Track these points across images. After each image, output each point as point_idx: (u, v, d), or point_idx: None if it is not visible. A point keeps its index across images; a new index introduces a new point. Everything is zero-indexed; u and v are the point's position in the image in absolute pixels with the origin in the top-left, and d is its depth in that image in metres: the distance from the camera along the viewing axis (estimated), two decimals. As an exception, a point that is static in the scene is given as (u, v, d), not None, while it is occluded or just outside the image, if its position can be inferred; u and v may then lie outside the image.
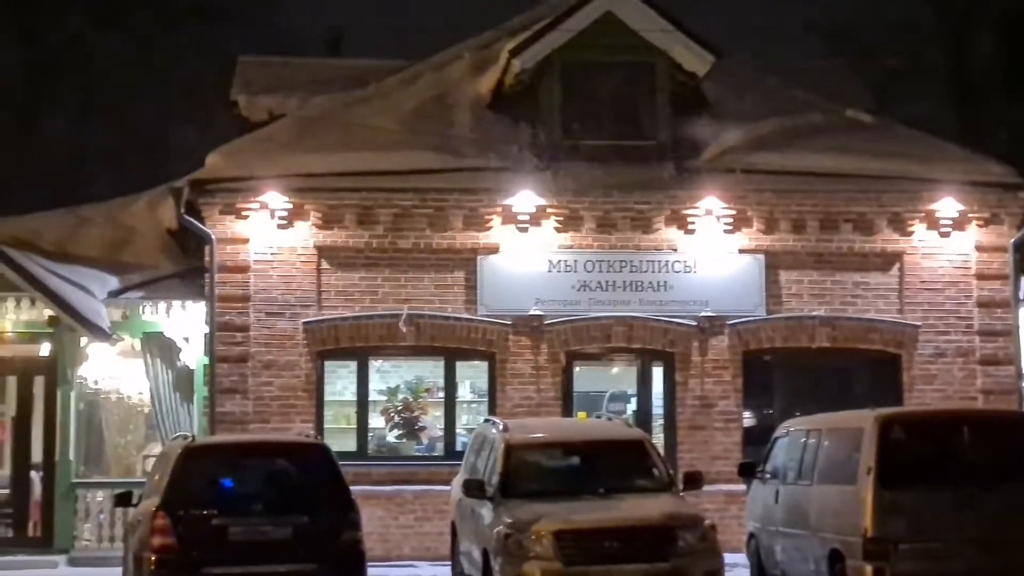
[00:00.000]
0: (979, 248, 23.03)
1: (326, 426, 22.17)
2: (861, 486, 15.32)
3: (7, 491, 23.11)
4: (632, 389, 23.51)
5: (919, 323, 22.88)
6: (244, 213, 22.13)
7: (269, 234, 22.16)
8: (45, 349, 22.90)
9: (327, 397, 22.53)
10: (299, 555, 14.63)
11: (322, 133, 22.81)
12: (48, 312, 21.90)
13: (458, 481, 18.20)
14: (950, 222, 22.88)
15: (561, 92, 22.75)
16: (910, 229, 22.93)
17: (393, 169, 22.28)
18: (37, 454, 23.10)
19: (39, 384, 23.05)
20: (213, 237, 22.08)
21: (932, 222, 22.91)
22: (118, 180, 32.80)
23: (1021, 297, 23.26)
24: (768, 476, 18.43)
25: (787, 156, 22.82)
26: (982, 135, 27.83)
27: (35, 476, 23.00)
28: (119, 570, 17.61)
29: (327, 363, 22.50)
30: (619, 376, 24.12)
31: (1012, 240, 22.99)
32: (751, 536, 18.72)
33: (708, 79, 23.37)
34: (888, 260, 23.06)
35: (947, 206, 22.81)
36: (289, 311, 22.15)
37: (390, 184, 22.26)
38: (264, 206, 22.08)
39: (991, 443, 15.79)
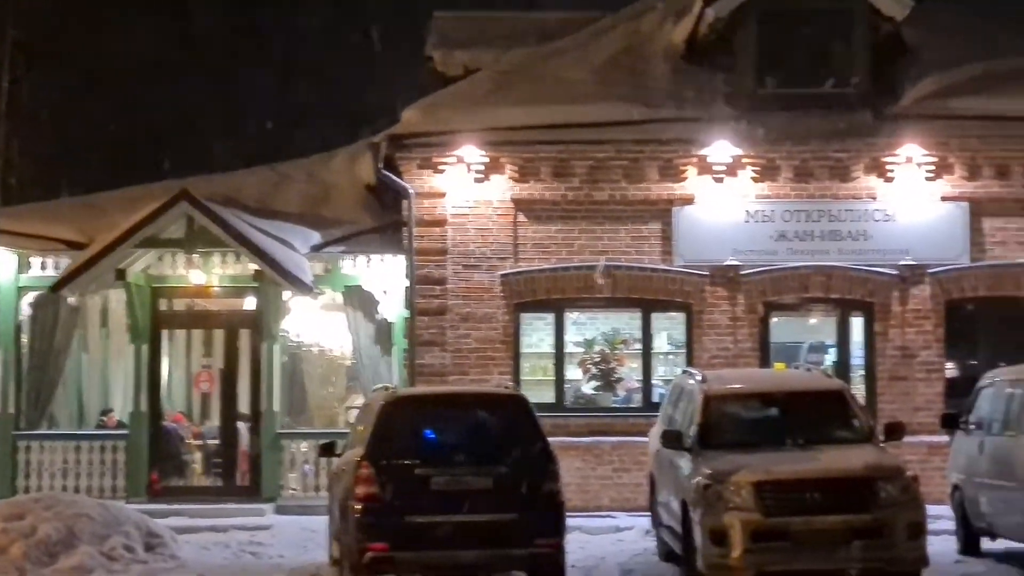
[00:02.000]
0: None
1: (523, 378, 22.35)
2: (1070, 437, 14.99)
3: (216, 441, 23.84)
4: (830, 340, 23.27)
5: None
6: (441, 167, 22.38)
7: (466, 188, 22.38)
8: (250, 303, 23.52)
9: (524, 349, 22.73)
10: (500, 505, 14.76)
11: (517, 86, 22.92)
12: (253, 267, 22.41)
13: (656, 432, 18.20)
14: None
15: (756, 40, 22.49)
16: (1119, 172, 22.24)
17: (588, 121, 22.30)
18: (244, 405, 23.76)
19: (244, 337, 23.66)
20: (411, 191, 22.38)
21: None
22: (317, 138, 33.39)
23: None
24: (972, 427, 18.12)
25: (990, 101, 22.24)
26: None
27: (242, 427, 23.65)
28: (324, 518, 18.03)
29: (524, 315, 22.68)
30: (817, 327, 23.88)
31: None
32: (955, 488, 18.43)
33: (907, 24, 22.87)
34: (1101, 205, 22.40)
35: None
36: (486, 264, 22.37)
37: (585, 136, 22.30)
38: (460, 160, 22.31)
39: None
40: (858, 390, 21.83)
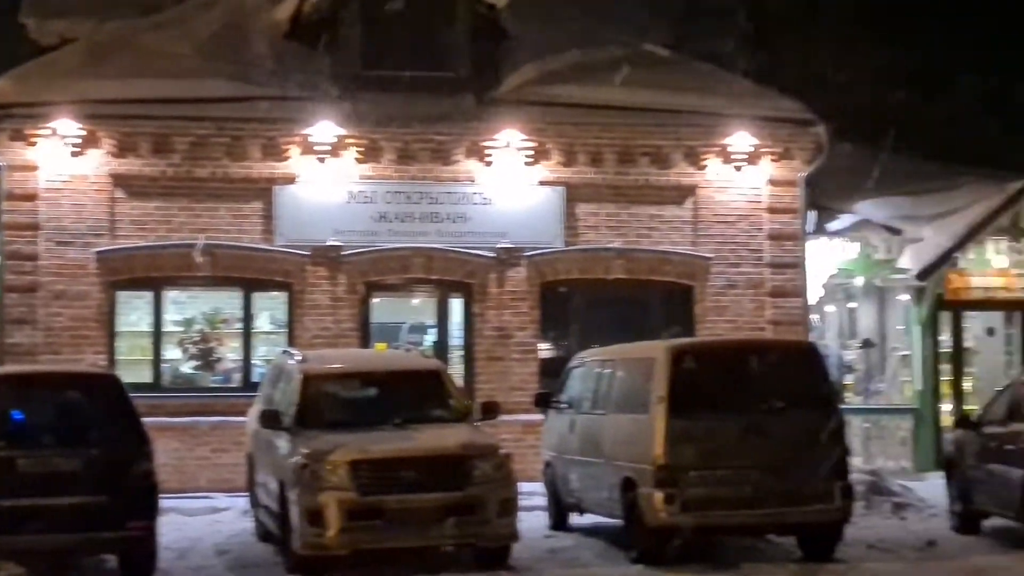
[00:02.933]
0: (771, 182, 23.51)
1: (120, 358, 21.83)
2: (653, 415, 15.62)
3: None
4: (431, 320, 23.58)
5: (711, 255, 23.32)
6: (33, 140, 21.58)
7: (61, 161, 21.64)
8: None
9: (121, 328, 22.18)
10: (89, 487, 14.35)
11: (116, 59, 22.29)
12: None
13: (255, 412, 18.08)
14: (743, 156, 23.30)
15: (360, 21, 22.57)
16: (704, 163, 23.31)
17: (189, 97, 21.92)
18: None
19: None
20: (1, 164, 21.49)
21: (725, 156, 23.31)
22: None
23: (809, 231, 23.83)
24: (564, 406, 18.69)
25: (586, 89, 22.96)
26: (777, 72, 28.30)
27: None
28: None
29: (121, 294, 22.13)
30: (418, 307, 24.20)
31: (802, 175, 23.51)
32: (547, 465, 18.99)
33: (509, 10, 23.36)
34: (683, 193, 23.42)
35: (740, 141, 23.22)
36: (80, 240, 21.71)
37: (186, 112, 21.90)
38: (55, 133, 21.55)
39: (778, 372, 16.24)
40: (457, 370, 22.20)
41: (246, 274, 22.26)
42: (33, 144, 21.56)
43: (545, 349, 23.22)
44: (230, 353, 22.63)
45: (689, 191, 23.40)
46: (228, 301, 22.70)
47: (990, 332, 26.90)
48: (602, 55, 23.67)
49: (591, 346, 20.13)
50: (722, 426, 15.63)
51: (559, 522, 18.57)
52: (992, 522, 17.79)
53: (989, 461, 17.35)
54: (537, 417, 20.32)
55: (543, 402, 19.36)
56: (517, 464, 15.95)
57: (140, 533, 14.62)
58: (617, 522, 16.63)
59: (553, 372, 21.44)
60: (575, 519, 18.46)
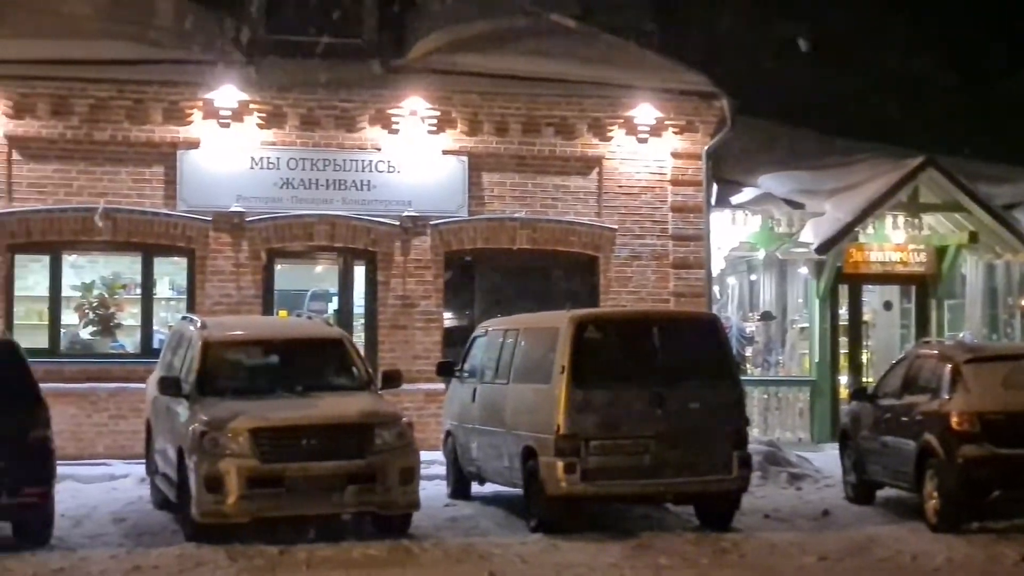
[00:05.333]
0: (674, 155, 23.62)
1: (16, 322, 21.50)
2: (555, 384, 15.70)
3: None
4: (334, 288, 23.48)
5: (616, 226, 23.41)
6: (-73, 100, 21.19)
7: (-45, 122, 21.27)
8: None
9: (18, 292, 21.84)
10: (-16, 452, 14.21)
11: (12, 18, 21.85)
12: None
13: (154, 379, 17.92)
14: (647, 128, 23.39)
15: (266, -15, 22.37)
16: (609, 134, 23.38)
17: (90, 58, 21.59)
18: None
19: None
20: None
21: (630, 128, 23.39)
22: None
23: (712, 203, 23.99)
24: (466, 375, 18.72)
25: (491, 58, 22.93)
26: (683, 46, 28.40)
27: None
28: None
29: (18, 257, 21.80)
30: (321, 275, 24.09)
31: (706, 148, 23.64)
32: (448, 434, 19.01)
33: (415, -23, 23.28)
34: (588, 164, 23.48)
35: (645, 113, 23.31)
36: (-24, 203, 21.35)
37: (86, 74, 21.59)
38: (-50, 93, 21.17)
39: (680, 343, 16.38)
40: (360, 338, 22.13)
41: (147, 239, 22.00)
42: (-73, 104, 21.18)
43: (449, 318, 23.22)
44: (129, 319, 22.39)
45: (594, 162, 23.46)
46: (128, 266, 22.47)
47: (887, 306, 27.30)
48: (509, 24, 23.68)
49: (495, 316, 20.15)
50: (623, 396, 15.73)
51: (459, 491, 18.61)
52: (886, 492, 18.09)
53: (884, 433, 17.63)
54: (440, 386, 20.36)
55: (446, 371, 19.38)
56: (419, 433, 16.03)
57: (36, 500, 14.52)
58: (517, 491, 16.70)
59: (457, 341, 21.50)
60: (476, 488, 18.50)
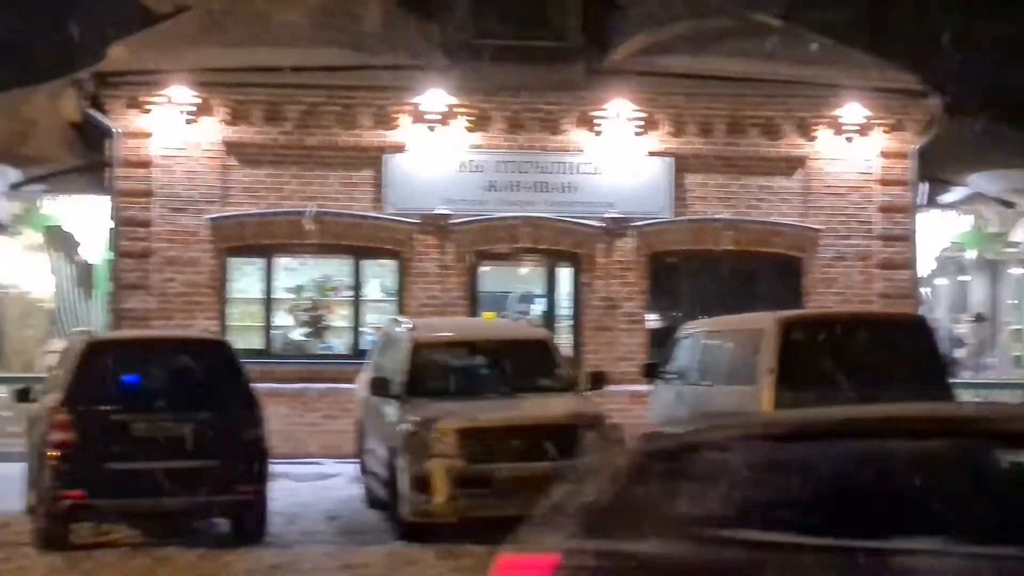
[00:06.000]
0: (882, 154, 23.25)
1: (231, 324, 22.09)
2: (761, 387, 15.55)
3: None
4: (538, 290, 23.62)
5: (821, 227, 23.13)
6: (148, 107, 21.85)
7: (174, 129, 21.91)
8: (-57, 242, 22.63)
9: (232, 295, 22.43)
10: (200, 451, 14.60)
11: (229, 27, 22.50)
12: (-55, 204, 21.59)
13: (364, 380, 18.22)
14: (854, 128, 23.06)
15: (472, -11, 22.59)
16: (815, 134, 23.10)
17: (301, 65, 22.05)
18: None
19: (-62, 277, 22.76)
20: (116, 131, 21.80)
21: (837, 128, 23.08)
22: (19, 72, 32.15)
23: (921, 203, 23.54)
24: (671, 377, 18.65)
25: (696, 59, 22.83)
26: (891, 43, 27.95)
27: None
28: (21, 465, 17.51)
29: (232, 260, 22.39)
30: (526, 277, 24.22)
31: (914, 147, 23.22)
32: (652, 435, 18.92)
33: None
34: (792, 164, 23.24)
35: (852, 112, 22.98)
36: (193, 207, 21.98)
37: (298, 80, 22.06)
38: (169, 100, 21.81)
39: (887, 345, 16.08)
40: (564, 340, 22.22)
41: (356, 242, 22.42)
42: (148, 111, 21.85)
43: (652, 320, 23.17)
44: (339, 321, 22.81)
45: (799, 162, 23.21)
46: (338, 269, 22.90)
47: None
48: (713, 25, 23.54)
49: (699, 317, 20.06)
50: (830, 399, 15.44)
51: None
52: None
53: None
54: (644, 388, 20.31)
55: (651, 373, 19.33)
56: (624, 434, 15.94)
57: (251, 497, 14.86)
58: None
59: (660, 343, 21.42)
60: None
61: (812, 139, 23.12)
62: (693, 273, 23.25)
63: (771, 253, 23.18)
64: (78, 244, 22.64)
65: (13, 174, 22.61)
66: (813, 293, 23.08)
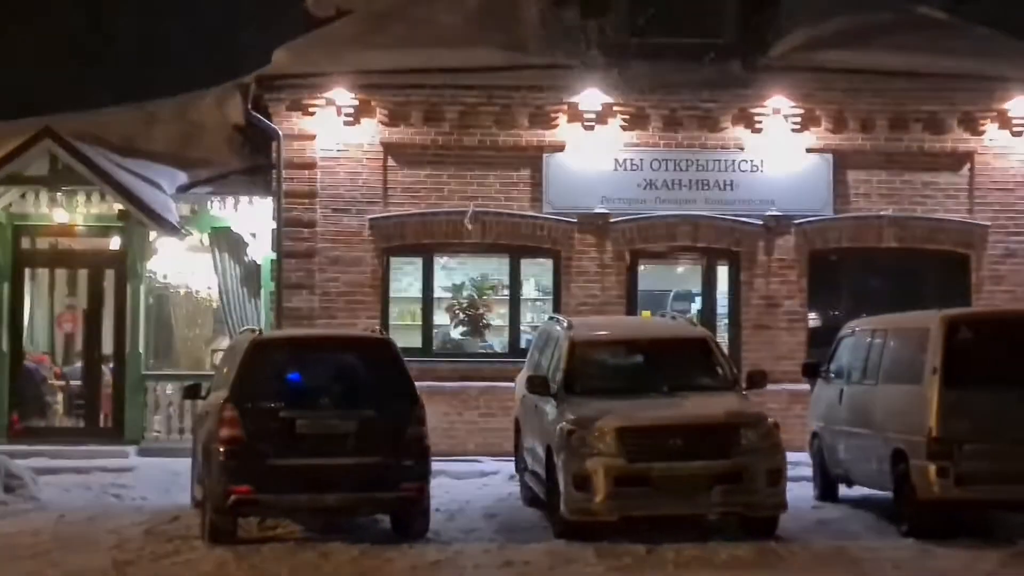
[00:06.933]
0: (1053, 148, 22.75)
1: (391, 322, 22.33)
2: (926, 386, 15.30)
3: (79, 383, 23.51)
4: (697, 288, 23.52)
5: (989, 223, 22.69)
6: (311, 110, 22.18)
7: (336, 131, 22.21)
8: (115, 243, 23.20)
9: (393, 293, 22.68)
10: (364, 449, 14.77)
11: (389, 29, 22.74)
12: (118, 206, 22.12)
13: (522, 378, 18.29)
14: (1023, 121, 22.56)
15: (628, -12, 22.55)
16: (981, 129, 22.65)
17: (459, 66, 22.22)
18: (108, 347, 23.42)
19: (109, 278, 23.31)
20: (280, 133, 22.17)
21: (1004, 121, 22.62)
22: (186, 77, 32.86)
23: (1094, 198, 22.96)
24: (832, 376, 18.43)
25: (856, 54, 22.51)
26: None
27: (106, 368, 23.33)
28: (188, 461, 17.92)
29: (393, 259, 22.64)
30: (684, 275, 24.13)
31: (1087, 140, 22.66)
32: (814, 435, 18.75)
33: (777, -25, 23.06)
34: (958, 160, 22.81)
35: (1020, 105, 22.49)
36: (355, 207, 22.27)
37: (456, 81, 22.23)
38: (331, 103, 22.12)
39: (1058, 344, 15.69)
40: (723, 338, 22.06)
41: (514, 241, 22.51)
42: (311, 114, 22.18)
43: (813, 318, 22.92)
44: (497, 319, 22.93)
45: (966, 157, 22.78)
46: (496, 268, 23.02)
47: None
48: (873, 19, 23.21)
49: (861, 316, 19.77)
50: (999, 398, 15.18)
51: (826, 493, 18.33)
52: None
53: None
54: (804, 387, 20.10)
55: (811, 371, 19.11)
56: (784, 433, 15.81)
57: (413, 494, 14.99)
58: (886, 494, 16.35)
59: (821, 342, 21.16)
60: (843, 491, 18.21)
61: (979, 134, 22.67)
62: (854, 271, 22.95)
63: (937, 250, 22.78)
64: (245, 244, 23.07)
65: (182, 176, 23.12)
66: (982, 291, 22.63)
